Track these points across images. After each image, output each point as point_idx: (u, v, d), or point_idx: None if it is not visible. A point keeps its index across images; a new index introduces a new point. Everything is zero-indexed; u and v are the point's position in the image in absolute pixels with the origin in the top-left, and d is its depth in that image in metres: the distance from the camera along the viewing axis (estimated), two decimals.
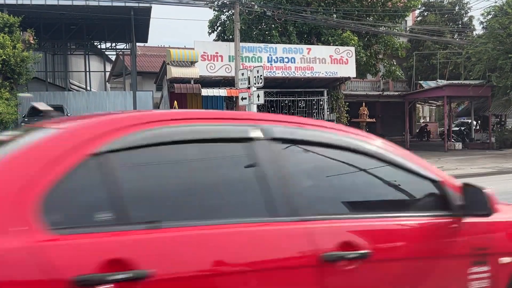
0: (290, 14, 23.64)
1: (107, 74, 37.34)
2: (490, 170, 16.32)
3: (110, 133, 1.93)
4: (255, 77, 14.72)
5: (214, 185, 2.12)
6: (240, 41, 20.53)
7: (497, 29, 24.15)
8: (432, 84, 29.10)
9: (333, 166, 2.46)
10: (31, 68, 20.76)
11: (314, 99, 22.76)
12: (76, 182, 1.80)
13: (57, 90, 29.07)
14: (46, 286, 1.59)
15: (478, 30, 32.26)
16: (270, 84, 20.08)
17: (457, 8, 36.39)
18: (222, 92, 19.85)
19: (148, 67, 34.48)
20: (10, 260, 1.56)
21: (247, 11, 23.45)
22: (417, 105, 37.64)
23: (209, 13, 52.51)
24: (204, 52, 20.79)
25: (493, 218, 2.56)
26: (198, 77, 20.07)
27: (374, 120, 26.91)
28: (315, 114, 22.22)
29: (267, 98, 19.60)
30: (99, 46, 33.27)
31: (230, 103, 21.92)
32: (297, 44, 24.12)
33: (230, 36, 25.54)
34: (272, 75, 21.14)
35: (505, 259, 2.63)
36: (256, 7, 23.02)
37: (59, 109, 22.55)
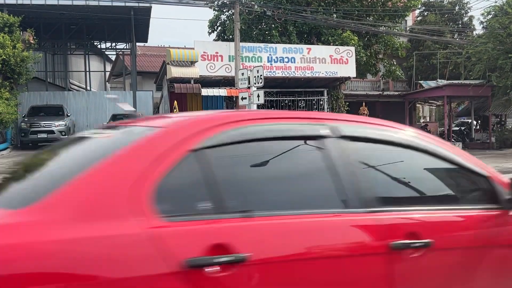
0: (290, 14, 23.64)
1: (107, 74, 37.34)
2: None
3: (205, 131, 2.15)
4: (255, 77, 14.73)
5: (295, 178, 2.34)
6: (240, 41, 20.54)
7: (497, 29, 24.14)
8: (432, 84, 29.09)
9: (395, 162, 2.69)
10: (31, 68, 20.78)
11: (314, 99, 22.76)
12: (179, 175, 2.01)
13: (57, 90, 29.08)
14: (163, 266, 1.79)
15: (478, 30, 32.35)
16: (270, 84, 20.08)
17: (457, 8, 36.38)
18: (222, 92, 19.84)
19: (148, 67, 34.48)
20: (133, 242, 1.79)
21: (247, 11, 23.45)
22: (417, 105, 37.61)
23: (209, 13, 52.59)
24: (204, 52, 20.79)
25: None
26: (198, 77, 20.07)
27: None
28: None
29: (267, 98, 19.60)
30: (99, 46, 33.28)
31: (230, 103, 21.93)
32: (297, 44, 24.13)
33: (230, 36, 25.54)
34: (272, 75, 21.14)
35: None
36: (256, 7, 23.03)
37: (59, 109, 22.62)
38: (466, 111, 34.57)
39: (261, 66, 15.97)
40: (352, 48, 23.18)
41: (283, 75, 21.79)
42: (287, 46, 22.77)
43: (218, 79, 21.08)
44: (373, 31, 26.19)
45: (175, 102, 19.25)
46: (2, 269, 1.59)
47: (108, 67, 38.20)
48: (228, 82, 20.71)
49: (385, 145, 2.61)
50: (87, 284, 1.69)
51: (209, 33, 29.26)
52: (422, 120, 43.48)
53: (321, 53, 22.53)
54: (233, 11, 22.04)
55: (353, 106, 25.22)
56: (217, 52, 21.10)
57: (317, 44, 24.75)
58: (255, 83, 14.73)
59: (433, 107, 41.21)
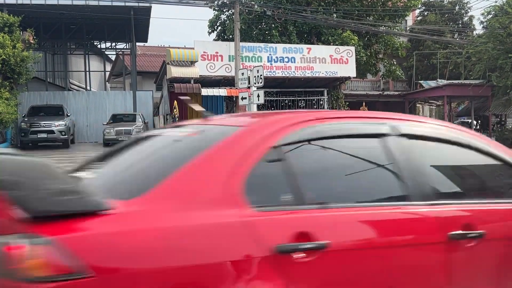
0: (290, 14, 23.64)
1: (107, 73, 37.32)
2: None
3: (283, 129, 2.34)
4: (255, 76, 14.72)
5: (363, 173, 2.54)
6: (240, 41, 20.53)
7: (497, 28, 24.13)
8: (432, 83, 29.11)
9: (447, 157, 2.88)
10: (31, 68, 20.75)
11: (314, 99, 22.77)
12: (263, 169, 2.20)
13: (57, 89, 29.05)
14: (256, 251, 1.98)
15: (478, 29, 32.31)
16: (270, 83, 20.08)
17: (457, 7, 36.38)
18: (222, 91, 19.84)
19: (148, 67, 34.45)
20: (230, 230, 2.00)
21: (247, 10, 23.45)
22: (417, 105, 37.61)
23: (209, 13, 52.54)
24: (204, 52, 20.79)
25: None
26: (198, 76, 20.07)
27: None
28: None
29: (267, 98, 19.60)
30: (99, 46, 33.25)
31: (230, 103, 21.92)
32: (297, 43, 24.12)
33: (230, 36, 25.53)
34: (272, 75, 21.14)
35: None
36: (256, 6, 23.02)
37: (59, 108, 22.61)
38: (466, 111, 34.57)
39: (261, 66, 15.97)
40: (352, 48, 23.18)
41: (283, 75, 21.78)
42: (287, 46, 22.76)
43: (218, 79, 21.08)
44: (373, 31, 26.19)
45: (175, 102, 19.25)
46: (136, 253, 1.83)
47: (108, 67, 38.17)
48: (228, 82, 20.71)
49: (439, 142, 2.80)
50: (194, 265, 1.89)
51: (209, 33, 29.29)
52: None
53: (321, 53, 22.52)
54: (233, 11, 22.03)
55: (353, 106, 25.22)
56: (217, 52, 21.10)
57: (317, 44, 24.75)
58: (255, 83, 14.73)
59: (433, 107, 41.20)
